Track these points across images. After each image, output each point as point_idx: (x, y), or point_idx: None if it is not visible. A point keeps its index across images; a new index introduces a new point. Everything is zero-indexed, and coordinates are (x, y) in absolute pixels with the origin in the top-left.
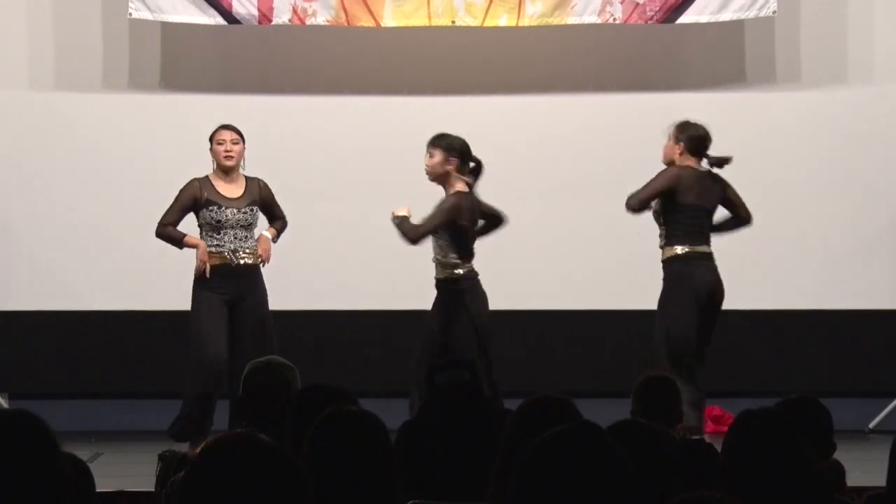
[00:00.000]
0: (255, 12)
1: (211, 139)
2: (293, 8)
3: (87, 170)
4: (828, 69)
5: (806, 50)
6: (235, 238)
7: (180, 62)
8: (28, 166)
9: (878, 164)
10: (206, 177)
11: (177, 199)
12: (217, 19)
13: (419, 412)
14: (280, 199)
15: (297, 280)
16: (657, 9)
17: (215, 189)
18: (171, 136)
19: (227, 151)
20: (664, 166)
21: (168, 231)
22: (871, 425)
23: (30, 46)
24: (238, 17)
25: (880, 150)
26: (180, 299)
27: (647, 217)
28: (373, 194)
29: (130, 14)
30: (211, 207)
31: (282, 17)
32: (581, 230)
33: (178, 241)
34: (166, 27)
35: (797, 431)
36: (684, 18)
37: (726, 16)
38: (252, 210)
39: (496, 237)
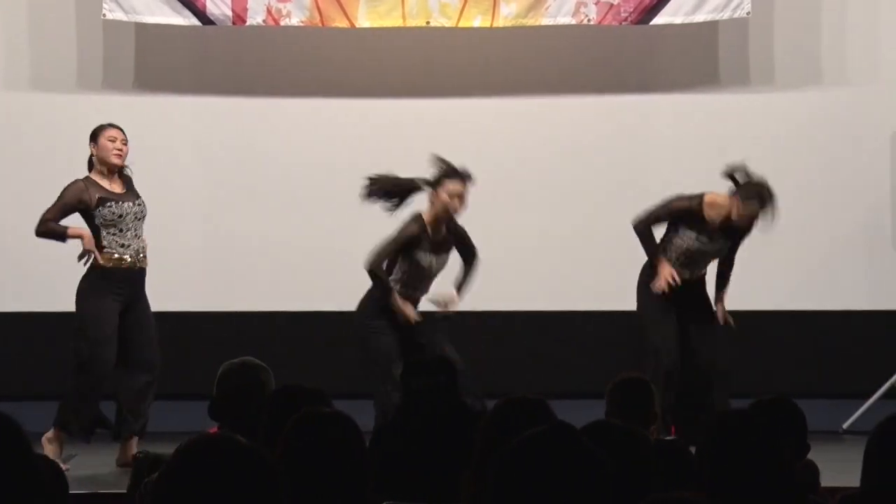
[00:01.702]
0: (230, 13)
1: (96, 136)
2: (267, 8)
3: (62, 170)
4: (802, 71)
5: (780, 51)
6: (136, 236)
7: (154, 63)
8: (2, 167)
9: (852, 166)
10: (88, 177)
11: (60, 198)
12: (191, 20)
13: (396, 414)
14: (255, 202)
15: (270, 282)
16: (631, 10)
17: (103, 187)
18: (145, 136)
19: (117, 150)
20: (640, 168)
21: (50, 226)
22: (845, 426)
23: (4, 47)
24: (212, 18)
25: (855, 152)
26: (158, 301)
27: (626, 218)
28: (348, 197)
29: (104, 15)
30: (108, 204)
31: (256, 17)
32: (555, 231)
33: (61, 235)
34: (140, 28)
35: (772, 432)
36: (658, 19)
37: (700, 17)
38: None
39: (475, 240)
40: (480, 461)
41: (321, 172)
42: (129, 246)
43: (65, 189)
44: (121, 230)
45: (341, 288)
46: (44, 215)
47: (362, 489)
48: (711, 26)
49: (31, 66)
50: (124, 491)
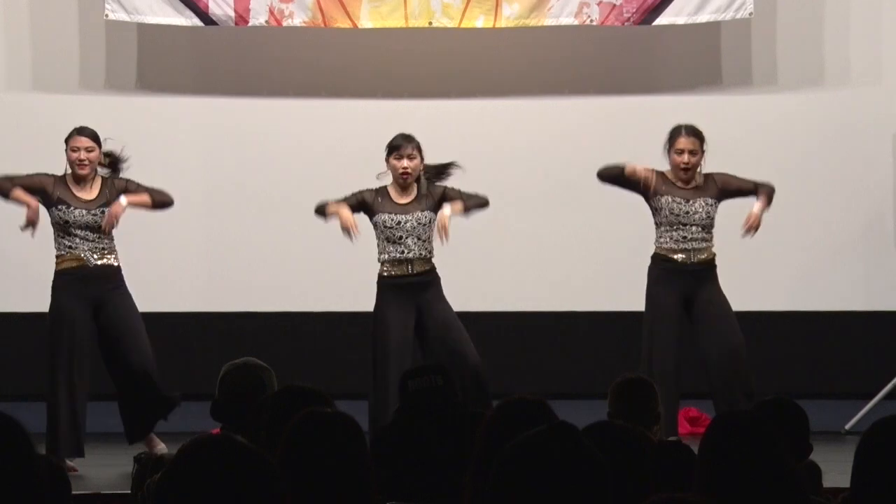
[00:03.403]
0: (232, 13)
1: (66, 141)
2: (270, 9)
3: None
4: (804, 71)
5: (782, 52)
6: (85, 239)
7: (157, 63)
8: (3, 167)
9: (853, 167)
10: (63, 175)
11: (31, 176)
12: (193, 20)
13: (396, 414)
14: (256, 202)
15: (272, 282)
16: (634, 10)
17: (69, 189)
18: (148, 137)
19: (79, 160)
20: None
21: (4, 184)
22: (848, 426)
23: (6, 48)
24: (214, 19)
25: (856, 153)
26: (158, 301)
27: (626, 219)
28: None
29: (107, 15)
30: (61, 207)
31: (258, 18)
32: (556, 232)
33: (6, 193)
34: (143, 28)
35: (773, 433)
36: (661, 20)
37: (703, 17)
38: (103, 212)
39: (475, 241)
40: (480, 461)
41: (323, 173)
42: (75, 248)
43: (40, 173)
44: (68, 234)
45: (342, 288)
46: (7, 175)
47: (364, 490)
48: (714, 27)
49: (34, 67)
50: (127, 492)
